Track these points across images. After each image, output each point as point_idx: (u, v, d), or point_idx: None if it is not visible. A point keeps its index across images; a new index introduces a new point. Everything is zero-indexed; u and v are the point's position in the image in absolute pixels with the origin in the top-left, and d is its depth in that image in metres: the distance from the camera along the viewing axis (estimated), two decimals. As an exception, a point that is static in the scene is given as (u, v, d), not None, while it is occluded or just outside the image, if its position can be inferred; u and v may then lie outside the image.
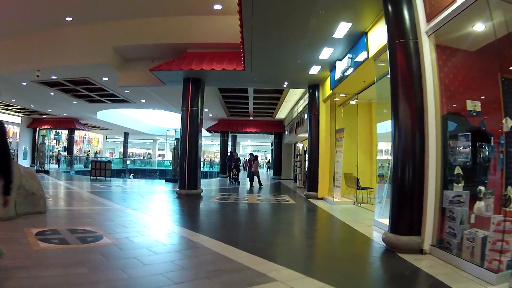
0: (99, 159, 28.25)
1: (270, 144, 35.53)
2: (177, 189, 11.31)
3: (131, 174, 31.80)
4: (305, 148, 16.47)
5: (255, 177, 15.27)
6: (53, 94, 17.21)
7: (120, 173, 28.89)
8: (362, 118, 10.92)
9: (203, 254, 4.33)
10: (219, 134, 25.20)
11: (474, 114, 4.62)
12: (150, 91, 15.86)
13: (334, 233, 6.67)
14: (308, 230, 6.95)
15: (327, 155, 11.21)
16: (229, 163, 17.80)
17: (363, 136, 11.14)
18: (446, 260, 4.16)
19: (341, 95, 10.56)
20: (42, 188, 6.87)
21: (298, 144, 19.27)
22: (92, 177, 17.40)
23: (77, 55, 11.89)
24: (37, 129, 26.79)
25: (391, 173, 5.53)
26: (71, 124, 27.47)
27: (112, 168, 29.19)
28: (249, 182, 15.70)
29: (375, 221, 6.86)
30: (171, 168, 19.51)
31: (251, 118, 22.76)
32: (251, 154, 16.14)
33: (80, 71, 13.08)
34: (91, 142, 39.05)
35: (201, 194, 11.59)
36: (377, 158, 12.48)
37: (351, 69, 8.39)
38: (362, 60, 7.71)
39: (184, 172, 11.20)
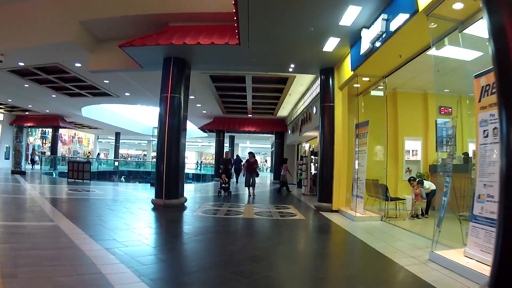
0: (78, 159, 26.10)
1: (270, 146, 33.14)
2: (154, 198, 8.93)
3: (123, 177, 29.67)
4: (312, 149, 14.09)
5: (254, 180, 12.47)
6: (27, 85, 15.32)
7: (111, 175, 26.82)
8: (381, 111, 8.56)
9: None
10: (215, 133, 22.84)
11: None
12: (131, 80, 13.54)
13: (379, 278, 4.19)
14: (338, 275, 4.42)
15: (344, 155, 8.82)
16: (223, 166, 13.34)
17: (385, 134, 8.79)
18: None
19: (363, 79, 8.18)
20: None
21: (303, 144, 16.92)
22: (69, 179, 15.55)
23: (41, 34, 9.76)
24: (13, 126, 24.65)
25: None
26: (55, 122, 25.49)
27: (103, 170, 27.53)
28: (247, 190, 12.71)
29: (434, 255, 4.50)
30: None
31: (249, 115, 20.40)
32: (250, 153, 12.71)
33: (47, 54, 10.95)
34: (81, 142, 37.31)
35: (185, 204, 9.23)
36: (405, 159, 10.17)
37: (378, 44, 6.09)
38: (405, 20, 5.39)
39: (162, 177, 8.81)
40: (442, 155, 10.33)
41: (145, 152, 52.65)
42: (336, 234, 6.38)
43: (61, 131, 30.77)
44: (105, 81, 14.21)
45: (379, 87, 8.60)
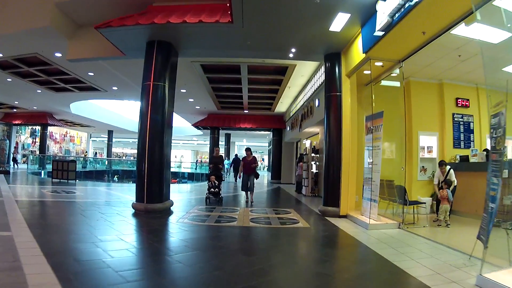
0: (64, 158, 25.02)
1: (267, 144, 32.03)
2: (134, 202, 7.78)
3: (116, 176, 28.55)
4: (314, 146, 12.98)
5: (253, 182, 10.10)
6: (10, 79, 14.32)
7: (104, 175, 25.76)
8: (394, 102, 7.46)
9: None
10: (209, 131, 21.68)
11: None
12: (117, 72, 12.43)
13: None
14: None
15: (353, 152, 7.71)
16: (212, 166, 10.33)
17: (398, 129, 7.73)
18: None
19: (376, 64, 7.05)
20: None
21: (304, 141, 15.80)
22: (54, 179, 14.66)
23: (15, 20, 8.75)
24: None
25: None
26: (43, 119, 24.37)
27: (96, 170, 26.41)
28: (245, 194, 10.37)
29: (484, 280, 3.44)
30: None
31: (246, 111, 19.24)
32: (247, 150, 10.40)
33: (24, 43, 9.92)
34: (73, 141, 36.27)
35: (171, 208, 8.09)
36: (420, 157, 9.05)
37: (397, 18, 4.95)
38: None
39: (143, 179, 7.66)
40: (460, 152, 9.28)
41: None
42: (351, 249, 5.25)
43: (52, 129, 30.05)
44: (89, 74, 13.12)
45: (392, 75, 7.50)
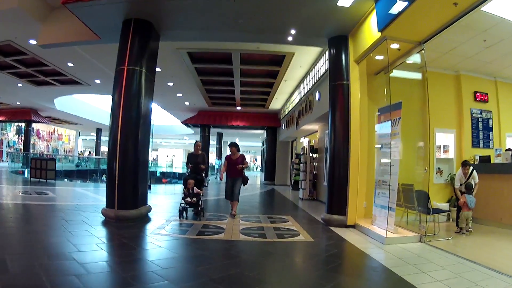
0: (45, 156, 23.73)
1: (261, 143, 30.90)
2: (104, 208, 6.57)
3: (104, 175, 27.27)
4: (312, 144, 11.88)
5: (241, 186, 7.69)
6: None
7: (92, 174, 24.55)
8: (408, 94, 6.40)
9: None
10: (200, 129, 20.46)
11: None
12: (98, 63, 11.21)
13: None
14: None
15: (363, 151, 6.59)
16: (191, 166, 7.70)
17: (415, 125, 6.70)
18: None
19: (392, 46, 5.92)
20: None
21: (301, 140, 14.65)
22: (33, 178, 13.82)
23: None
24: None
25: None
26: (27, 116, 23.04)
27: (86, 169, 25.10)
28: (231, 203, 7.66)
29: None
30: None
31: (238, 108, 18.05)
32: (232, 145, 7.71)
33: None
34: (61, 139, 34.82)
35: (148, 214, 6.91)
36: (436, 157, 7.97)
37: None
38: None
39: (113, 180, 6.44)
40: (479, 152, 8.26)
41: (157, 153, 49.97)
42: (370, 274, 4.08)
43: (39, 126, 28.80)
44: (69, 64, 11.88)
45: (407, 62, 6.41)
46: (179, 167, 29.54)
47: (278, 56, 9.84)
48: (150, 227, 5.94)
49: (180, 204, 6.99)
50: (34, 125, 25.88)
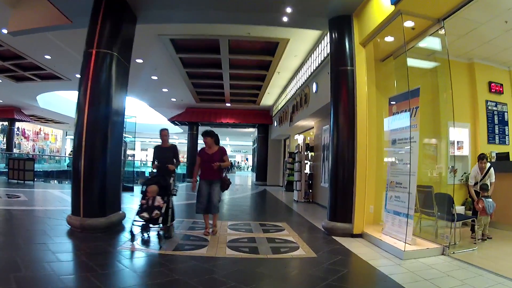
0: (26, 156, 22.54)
1: (252, 142, 29.94)
2: (69, 215, 5.54)
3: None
4: (308, 142, 10.98)
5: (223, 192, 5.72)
6: None
7: None
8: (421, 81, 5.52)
9: None
10: (187, 127, 19.42)
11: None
12: (77, 55, 10.04)
13: None
14: None
15: (372, 149, 5.68)
16: (156, 165, 5.66)
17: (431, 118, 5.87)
18: None
19: (406, 25, 5.01)
20: None
21: (296, 137, 13.71)
22: (10, 180, 12.97)
23: None
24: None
25: None
26: (9, 114, 21.73)
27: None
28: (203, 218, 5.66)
29: None
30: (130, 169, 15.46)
31: (228, 104, 17.05)
32: (206, 134, 5.58)
33: None
34: (47, 138, 33.40)
35: (122, 222, 5.89)
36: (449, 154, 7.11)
37: None
38: None
39: (78, 183, 5.43)
40: (495, 148, 7.45)
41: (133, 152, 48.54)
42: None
43: (24, 126, 27.44)
44: (46, 57, 10.83)
45: (420, 45, 5.52)
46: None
47: (270, 44, 8.87)
48: (120, 239, 4.95)
49: (132, 222, 4.78)
50: (20, 124, 24.77)
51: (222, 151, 5.60)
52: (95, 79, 5.65)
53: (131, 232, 4.74)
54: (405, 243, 4.36)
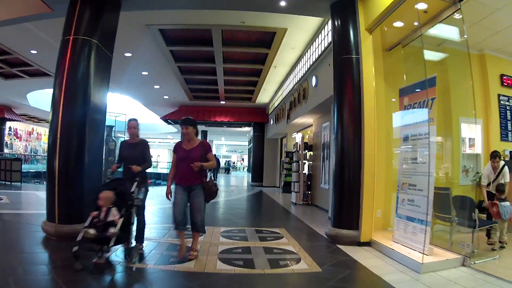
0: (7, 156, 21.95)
1: (248, 142, 29.40)
2: (44, 221, 4.95)
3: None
4: (306, 140, 10.43)
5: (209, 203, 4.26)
6: None
7: None
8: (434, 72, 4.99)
9: None
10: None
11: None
12: (54, 43, 9.40)
13: None
14: None
15: (381, 147, 5.12)
16: (114, 168, 4.35)
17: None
18: None
19: (418, 7, 4.46)
20: None
21: (293, 135, 13.15)
22: None
23: None
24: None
25: None
26: (0, 113, 21.13)
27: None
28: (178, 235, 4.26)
29: None
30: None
31: (222, 102, 16.47)
32: (186, 122, 4.06)
33: None
34: (40, 139, 32.69)
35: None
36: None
37: None
38: None
39: (53, 186, 4.85)
40: (508, 146, 6.94)
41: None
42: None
43: (16, 125, 26.72)
44: (32, 52, 10.23)
45: (428, 33, 4.98)
46: (164, 167, 27.92)
47: (266, 35, 8.28)
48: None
49: (79, 239, 3.48)
50: (12, 124, 24.20)
51: (205, 146, 4.16)
52: (72, 70, 5.09)
53: (75, 252, 3.39)
54: (423, 254, 3.80)
